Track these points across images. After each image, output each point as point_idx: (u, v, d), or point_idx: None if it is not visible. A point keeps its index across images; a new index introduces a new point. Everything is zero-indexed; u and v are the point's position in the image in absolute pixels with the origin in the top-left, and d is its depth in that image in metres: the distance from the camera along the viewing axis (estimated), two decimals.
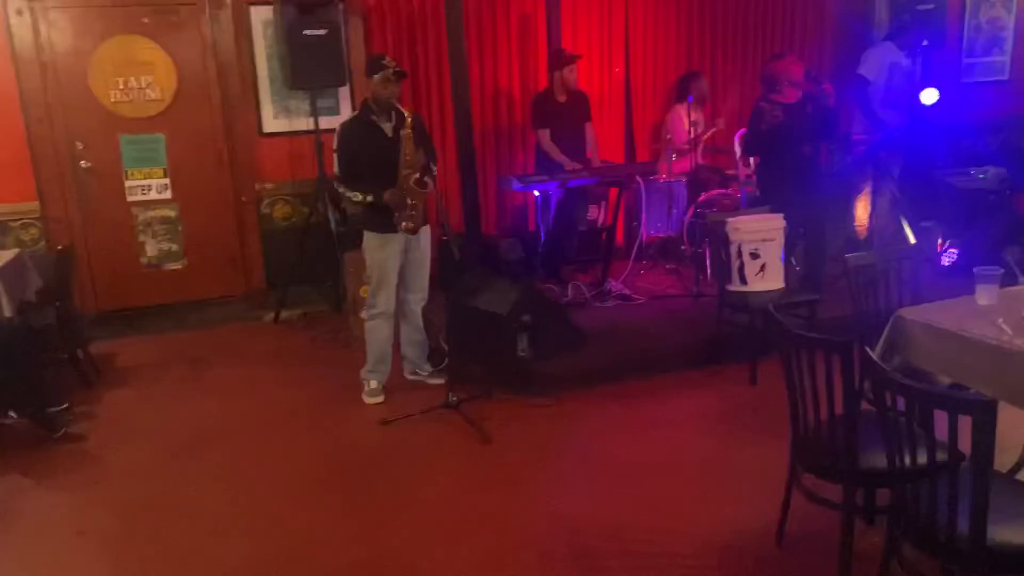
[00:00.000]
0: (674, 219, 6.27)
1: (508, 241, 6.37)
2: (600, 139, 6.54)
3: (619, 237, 6.58)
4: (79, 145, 5.69)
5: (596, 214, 6.29)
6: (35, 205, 5.61)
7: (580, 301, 5.53)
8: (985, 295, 2.97)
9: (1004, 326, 2.70)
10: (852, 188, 6.30)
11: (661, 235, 6.39)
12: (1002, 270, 3.08)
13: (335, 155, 4.22)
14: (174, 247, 5.99)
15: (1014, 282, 3.08)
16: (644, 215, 6.19)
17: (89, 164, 5.72)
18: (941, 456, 2.24)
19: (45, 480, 3.79)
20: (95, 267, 5.83)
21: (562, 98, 5.84)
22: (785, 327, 2.64)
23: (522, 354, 4.51)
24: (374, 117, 4.19)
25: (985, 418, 1.99)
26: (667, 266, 6.20)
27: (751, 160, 6.07)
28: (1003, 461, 3.17)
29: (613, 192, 6.10)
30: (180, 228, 5.98)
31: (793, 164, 5.07)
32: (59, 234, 5.62)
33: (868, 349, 2.30)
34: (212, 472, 3.79)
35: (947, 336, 2.79)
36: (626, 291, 5.67)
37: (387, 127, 4.18)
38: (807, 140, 4.99)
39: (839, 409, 2.53)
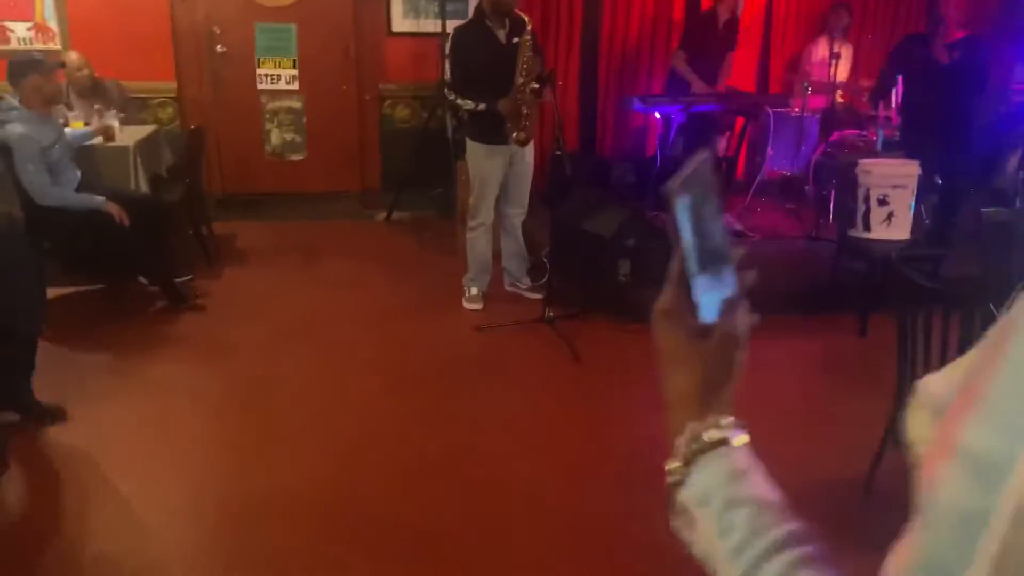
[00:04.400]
0: (802, 157, 5.97)
1: (622, 165, 6.26)
2: (734, 62, 6.26)
3: (740, 170, 6.35)
4: (216, 30, 5.87)
5: (720, 143, 6.07)
6: (172, 85, 5.87)
7: None
8: None
9: None
10: (1004, 142, 5.82)
11: (785, 172, 6.11)
12: None
13: (447, 61, 4.18)
14: (297, 138, 6.17)
15: None
16: (770, 149, 5.94)
17: (225, 49, 5.91)
18: None
19: (167, 346, 4.07)
20: (223, 150, 6.08)
21: (720, 22, 5.58)
22: (906, 275, 2.50)
23: (622, 279, 4.46)
24: (488, 23, 4.11)
25: None
26: (787, 206, 5.95)
27: (893, 101, 5.69)
28: None
29: (739, 122, 5.85)
30: (304, 120, 6.14)
31: (937, 109, 4.73)
32: (192, 115, 5.87)
33: (994, 308, 2.16)
34: (318, 355, 3.98)
35: None
36: (739, 227, 5.48)
37: (501, 34, 4.10)
38: (953, 87, 4.63)
39: None
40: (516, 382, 3.76)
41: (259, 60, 5.96)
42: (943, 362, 2.40)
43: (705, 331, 0.66)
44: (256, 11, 5.85)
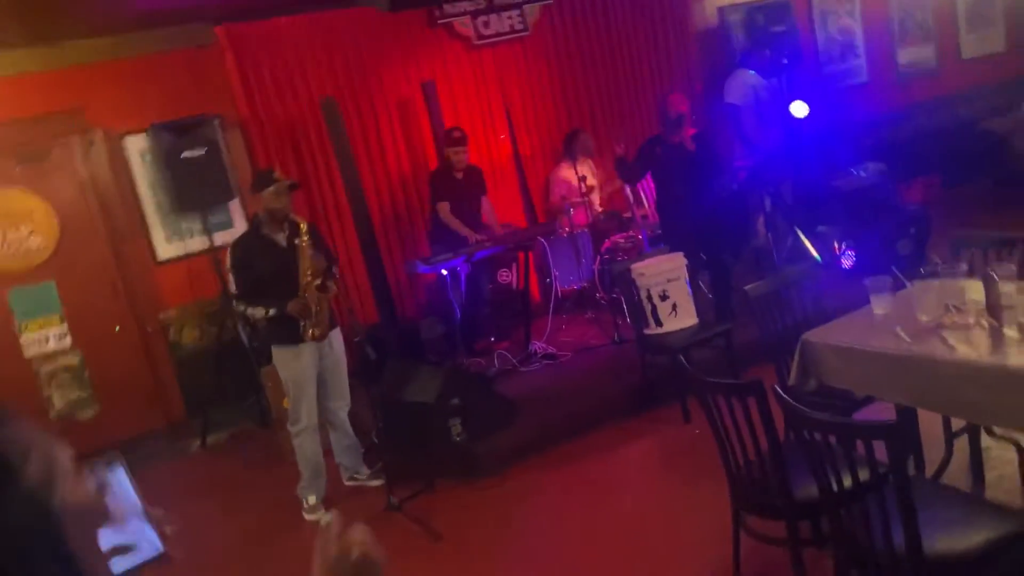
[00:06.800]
0: (584, 269, 6.35)
1: (427, 320, 6.35)
2: (500, 205, 6.62)
3: (536, 295, 6.63)
4: None
5: (509, 278, 6.33)
6: None
7: (508, 369, 5.52)
8: (880, 304, 3.07)
9: (902, 334, 2.79)
10: (748, 211, 6.50)
11: (574, 287, 6.46)
12: (892, 276, 3.21)
13: (231, 274, 4.15)
14: (83, 394, 5.74)
15: (903, 286, 3.20)
16: (555, 271, 6.27)
17: None
18: (866, 475, 2.28)
19: None
20: None
21: (459, 175, 5.87)
22: (696, 376, 2.68)
23: (457, 439, 4.45)
24: (266, 231, 4.14)
25: (897, 442, 2.04)
26: (586, 316, 6.26)
27: (645, 201, 6.24)
28: (932, 458, 3.27)
29: (520, 254, 6.15)
30: (87, 373, 5.74)
31: (686, 197, 5.22)
32: None
33: (779, 388, 2.35)
34: None
35: (852, 353, 2.88)
36: (551, 350, 5.69)
37: (280, 238, 4.14)
38: (693, 177, 5.15)
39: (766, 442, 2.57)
40: None
41: (21, 326, 5.55)
42: (756, 438, 2.56)
43: None
44: (4, 278, 5.50)
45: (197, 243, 5.87)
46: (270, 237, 4.14)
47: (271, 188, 4.07)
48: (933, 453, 3.26)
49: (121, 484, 0.93)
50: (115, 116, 5.63)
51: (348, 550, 0.99)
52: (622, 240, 6.13)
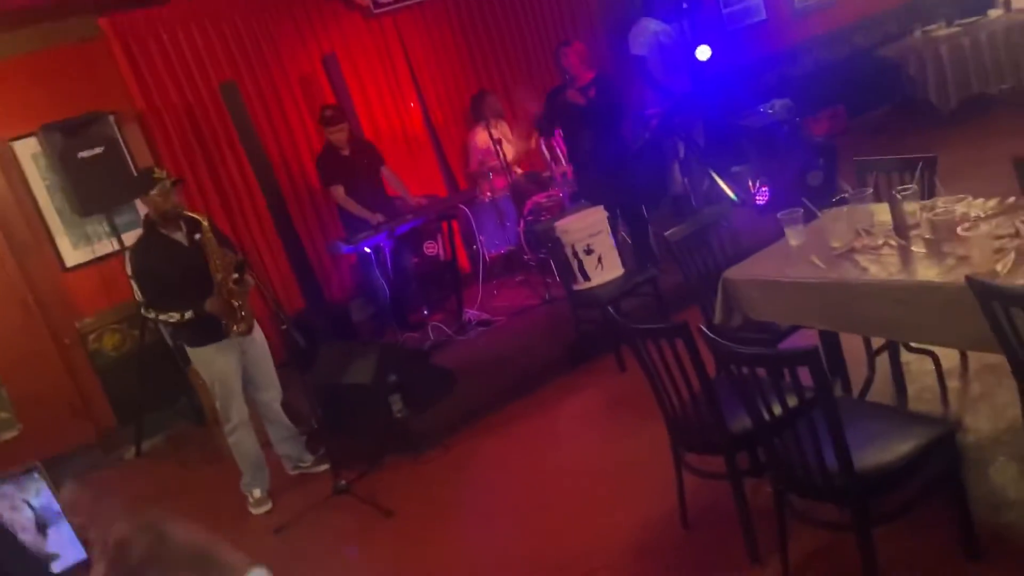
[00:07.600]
0: (509, 232, 6.35)
1: (357, 301, 6.27)
2: (418, 175, 6.53)
3: (465, 264, 6.60)
4: None
5: (435, 249, 6.27)
6: None
7: (444, 340, 5.50)
8: (794, 236, 3.15)
9: (817, 262, 2.87)
10: (662, 158, 6.57)
11: (502, 252, 6.45)
12: (803, 207, 3.29)
13: (134, 282, 3.92)
14: (3, 414, 5.50)
15: (815, 216, 3.28)
16: (480, 237, 6.25)
17: None
18: (794, 401, 2.35)
19: None
20: None
21: (345, 152, 5.62)
22: (625, 325, 2.71)
23: (399, 415, 4.43)
24: (163, 231, 3.93)
25: (819, 365, 2.10)
26: (516, 279, 6.27)
27: (563, 158, 6.24)
28: (857, 378, 3.40)
29: (444, 224, 6.10)
30: (4, 393, 5.50)
31: (593, 148, 5.22)
32: None
33: (705, 328, 2.39)
34: None
35: (771, 286, 2.96)
36: (484, 316, 5.69)
37: (180, 236, 3.93)
38: (599, 127, 5.14)
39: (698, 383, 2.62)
40: (339, 570, 3.56)
41: None
42: (684, 373, 2.60)
43: None
44: None
45: (106, 246, 5.65)
46: (170, 237, 3.92)
47: (155, 190, 3.84)
48: (858, 373, 3.39)
49: (41, 494, 0.90)
50: (0, 121, 5.33)
51: (130, 539, 0.89)
52: (543, 200, 6.12)
